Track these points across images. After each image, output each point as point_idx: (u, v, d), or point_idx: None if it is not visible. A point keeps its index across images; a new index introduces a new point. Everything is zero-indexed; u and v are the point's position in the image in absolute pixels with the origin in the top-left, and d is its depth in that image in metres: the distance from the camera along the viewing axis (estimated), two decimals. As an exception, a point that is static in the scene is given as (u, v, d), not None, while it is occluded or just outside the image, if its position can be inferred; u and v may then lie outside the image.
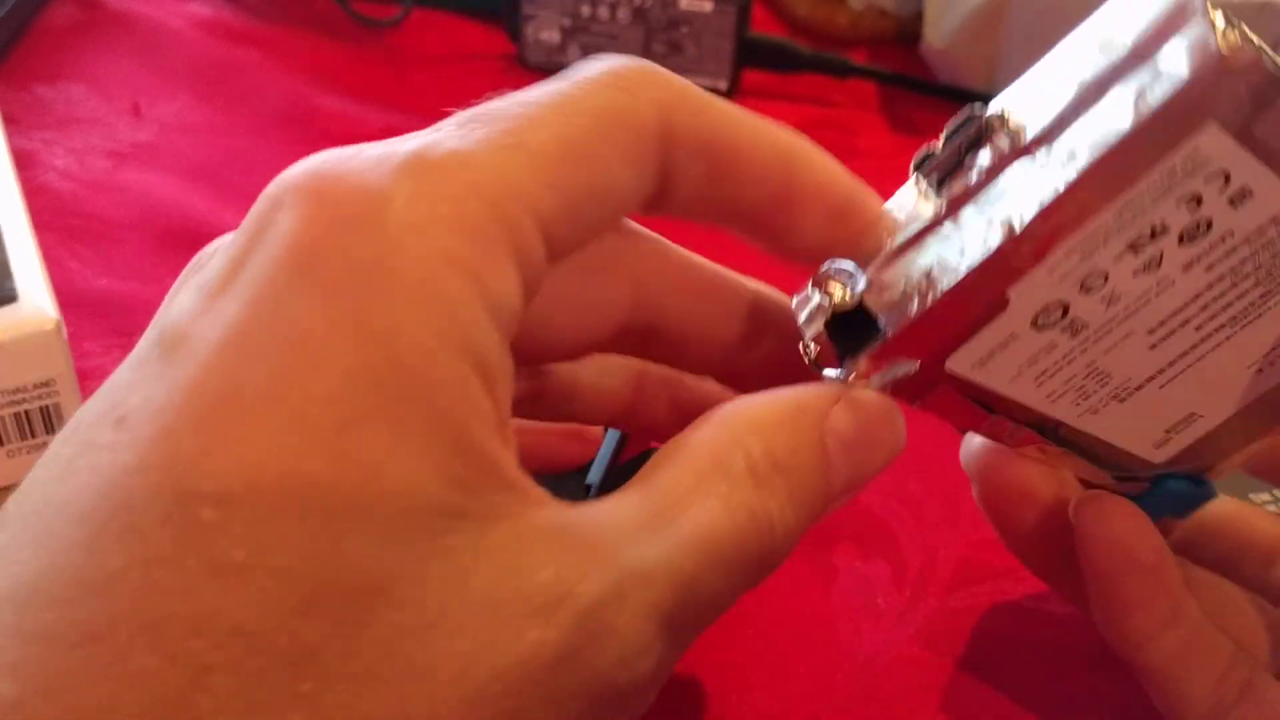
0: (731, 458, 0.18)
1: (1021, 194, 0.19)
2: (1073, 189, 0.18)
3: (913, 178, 0.21)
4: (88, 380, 0.34)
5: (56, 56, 0.56)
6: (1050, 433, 0.23)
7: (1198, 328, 0.22)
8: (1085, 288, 0.20)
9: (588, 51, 0.58)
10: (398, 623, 0.14)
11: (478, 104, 0.19)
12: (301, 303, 0.15)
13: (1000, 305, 0.20)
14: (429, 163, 0.16)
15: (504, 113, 0.18)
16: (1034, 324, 0.20)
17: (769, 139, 0.20)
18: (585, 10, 0.57)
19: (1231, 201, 0.19)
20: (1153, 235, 0.20)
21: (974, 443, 0.25)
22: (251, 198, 0.53)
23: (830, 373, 0.20)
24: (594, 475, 0.31)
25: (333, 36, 0.60)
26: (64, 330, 0.31)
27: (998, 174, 0.19)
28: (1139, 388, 0.22)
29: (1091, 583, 0.24)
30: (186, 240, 0.44)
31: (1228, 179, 0.19)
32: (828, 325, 0.21)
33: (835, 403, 0.20)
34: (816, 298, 0.21)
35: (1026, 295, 0.20)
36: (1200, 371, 0.22)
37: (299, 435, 0.14)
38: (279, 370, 0.14)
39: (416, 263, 0.15)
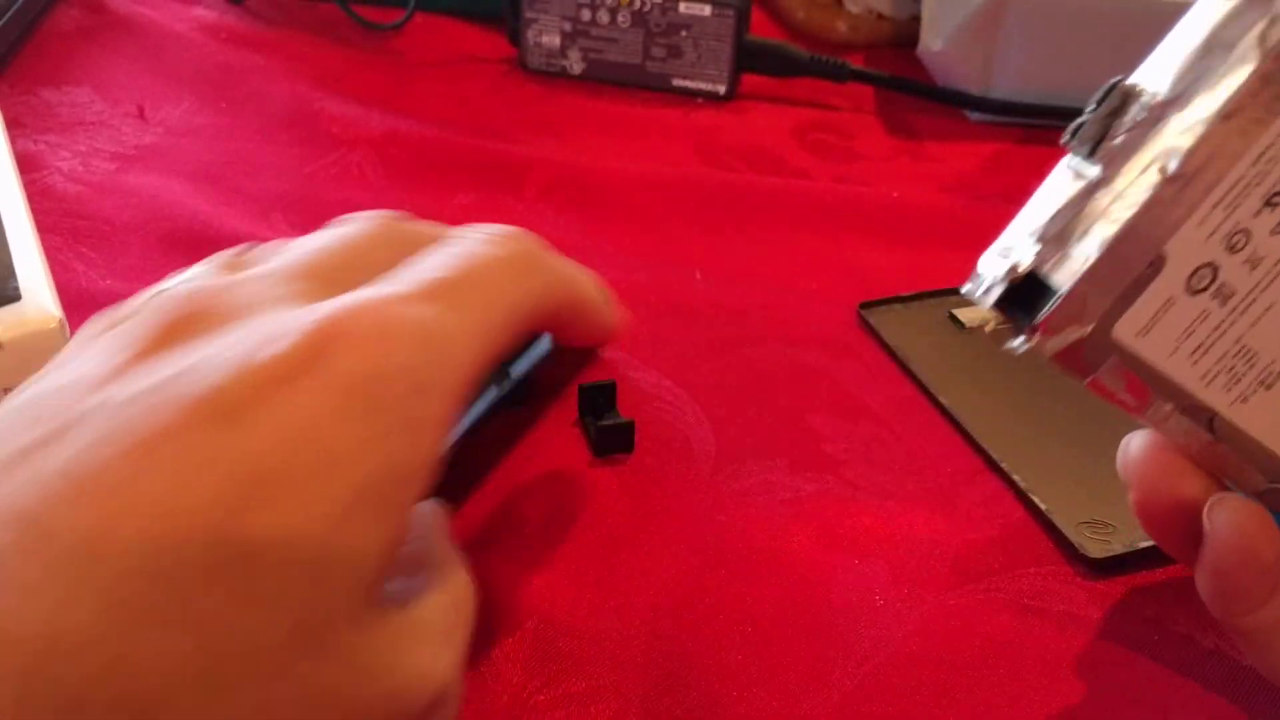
0: None
1: (1167, 146, 0.20)
2: (1210, 134, 0.20)
3: (1067, 152, 0.22)
4: (91, 379, 0.34)
5: (62, 60, 0.57)
6: (1207, 424, 0.24)
7: None
8: (1231, 247, 0.21)
9: (588, 55, 0.59)
10: None
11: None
12: (342, 424, 0.21)
13: (1158, 265, 0.21)
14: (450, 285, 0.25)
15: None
16: (1188, 288, 0.22)
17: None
18: (585, 15, 0.58)
19: None
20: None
21: (1132, 450, 0.26)
22: (255, 200, 0.54)
23: (1013, 343, 0.22)
24: (517, 370, 0.36)
25: (336, 41, 0.61)
26: (67, 329, 0.32)
27: (1145, 134, 0.21)
28: None
29: (1210, 571, 0.25)
30: (190, 242, 0.45)
31: None
32: (1004, 297, 0.22)
33: None
34: (992, 270, 0.22)
35: (1181, 252, 0.21)
36: None
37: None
38: (310, 472, 0.20)
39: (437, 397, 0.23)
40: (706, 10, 0.56)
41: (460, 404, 0.23)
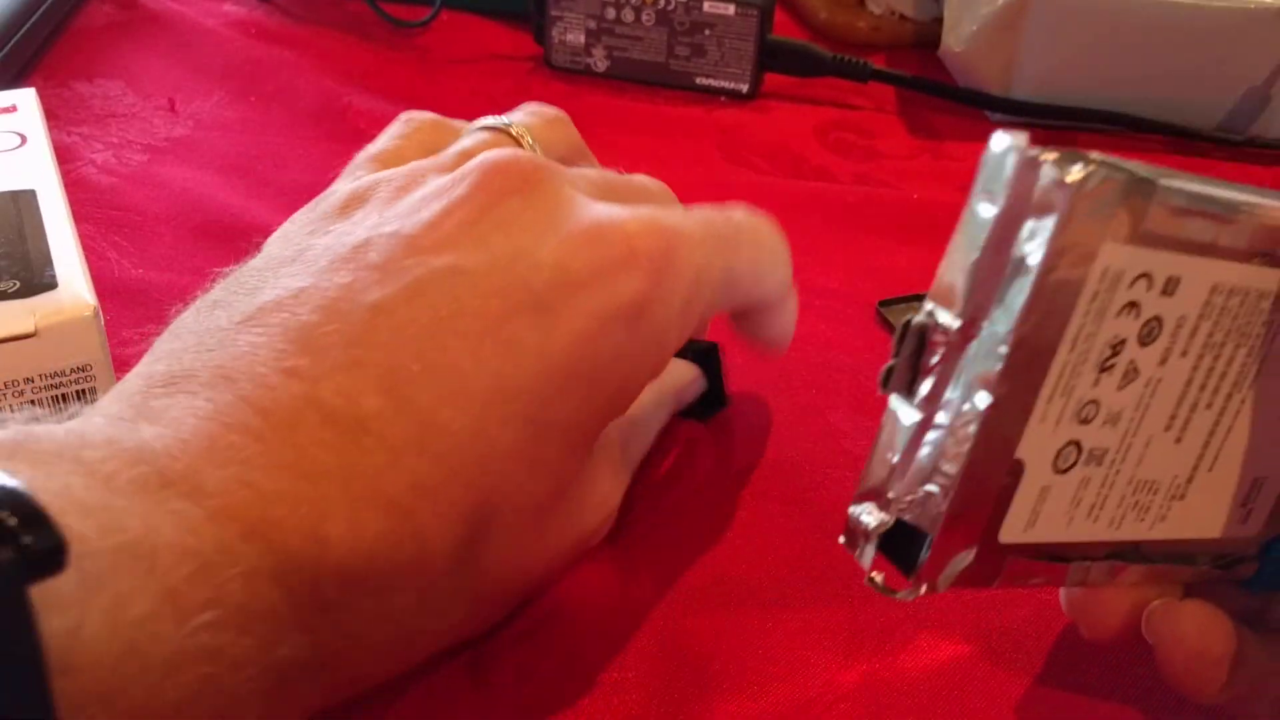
0: None
1: (978, 372, 0.19)
2: (1016, 348, 0.19)
3: (889, 395, 0.21)
4: (123, 366, 0.35)
5: (95, 54, 0.58)
6: (1133, 555, 0.23)
7: (1208, 405, 0.22)
8: (1084, 420, 0.21)
9: (612, 53, 0.59)
10: None
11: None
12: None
13: (1017, 470, 0.20)
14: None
15: None
16: (1057, 470, 0.21)
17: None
18: (610, 13, 0.58)
19: (1165, 293, 0.20)
20: (1114, 351, 0.20)
21: (1067, 595, 0.26)
22: (283, 193, 0.55)
23: (903, 594, 0.21)
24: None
25: (363, 37, 0.62)
26: (101, 317, 0.32)
27: (953, 365, 0.20)
28: (1190, 480, 0.23)
29: (1164, 672, 0.25)
30: (220, 233, 0.45)
31: (1149, 278, 0.20)
32: (879, 551, 0.21)
33: None
34: (859, 529, 0.22)
35: (1035, 449, 0.20)
36: (1238, 440, 0.23)
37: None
38: None
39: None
40: (730, 10, 0.57)
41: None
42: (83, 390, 0.32)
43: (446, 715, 0.28)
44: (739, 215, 0.31)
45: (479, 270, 0.24)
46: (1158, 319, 0.20)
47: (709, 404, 0.37)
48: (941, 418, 0.20)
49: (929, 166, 0.54)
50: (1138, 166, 0.19)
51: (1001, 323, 0.19)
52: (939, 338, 0.20)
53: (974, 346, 0.19)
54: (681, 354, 0.35)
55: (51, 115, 0.51)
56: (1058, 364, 0.20)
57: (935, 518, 0.20)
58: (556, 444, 0.25)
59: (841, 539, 0.22)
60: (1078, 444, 0.21)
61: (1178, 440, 0.22)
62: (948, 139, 0.57)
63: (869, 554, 0.21)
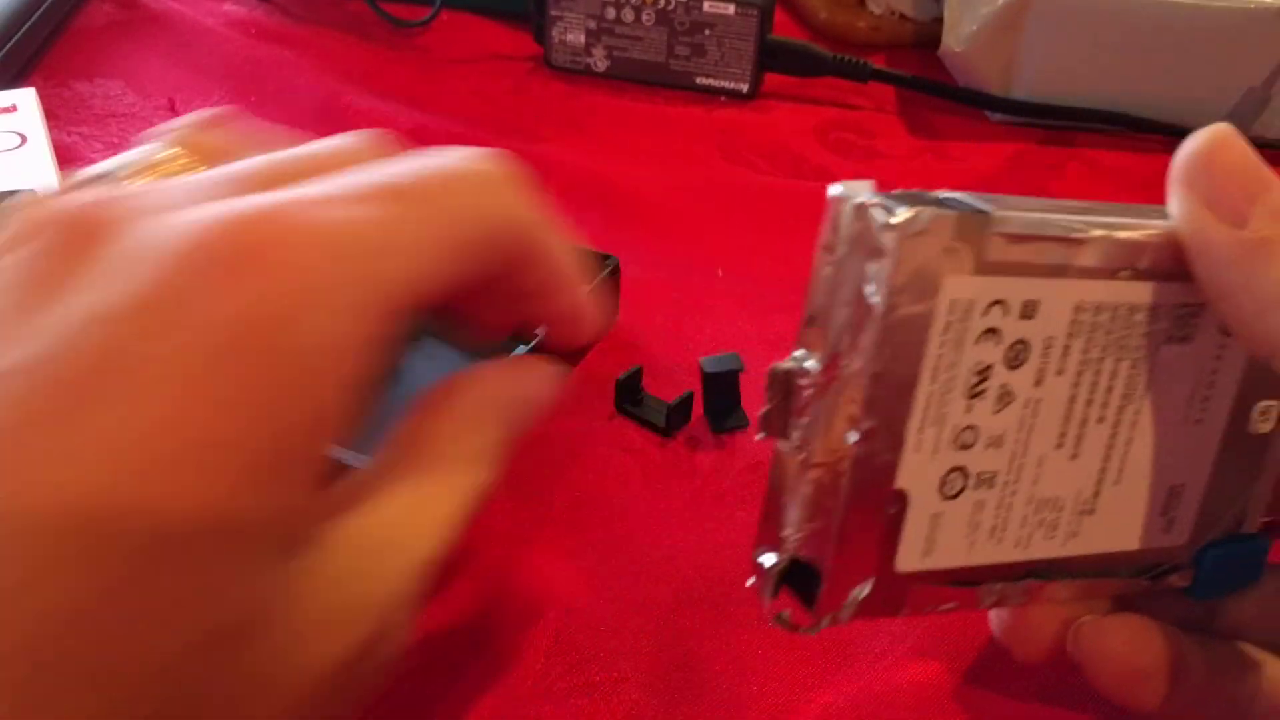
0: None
1: (845, 412, 0.20)
2: (874, 385, 0.20)
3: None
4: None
5: (95, 54, 0.58)
6: (1050, 573, 0.23)
7: (1100, 420, 0.22)
8: (963, 446, 0.21)
9: (612, 53, 0.59)
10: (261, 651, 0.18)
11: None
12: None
13: (902, 500, 0.21)
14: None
15: None
16: (945, 497, 0.21)
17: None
18: (610, 13, 0.58)
19: (1025, 317, 0.20)
20: (982, 377, 0.21)
21: (997, 620, 0.25)
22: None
23: (808, 629, 0.21)
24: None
25: (363, 37, 0.62)
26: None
27: (820, 406, 0.20)
28: (1096, 494, 0.23)
29: (1098, 689, 0.25)
30: (220, 233, 0.45)
31: (1004, 304, 0.20)
32: (782, 588, 0.22)
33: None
34: (760, 571, 0.22)
35: (916, 479, 0.21)
36: (1142, 452, 0.23)
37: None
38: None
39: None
40: (730, 9, 0.57)
41: (392, 325, 0.20)
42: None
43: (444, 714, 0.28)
44: (420, 166, 0.22)
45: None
46: (1023, 342, 0.21)
47: (721, 417, 0.37)
48: (818, 456, 0.20)
49: (930, 166, 0.54)
50: (977, 199, 0.20)
51: (857, 362, 0.20)
52: (804, 381, 0.20)
53: (836, 387, 0.20)
54: (706, 379, 0.36)
55: (51, 115, 0.51)
56: (922, 395, 0.20)
57: (825, 552, 0.21)
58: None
59: (749, 582, 0.22)
60: (962, 470, 0.21)
61: (1073, 457, 0.22)
62: (948, 139, 0.57)
63: (770, 594, 0.22)
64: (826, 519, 0.21)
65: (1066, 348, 0.21)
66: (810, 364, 0.20)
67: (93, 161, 0.49)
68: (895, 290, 0.19)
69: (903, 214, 0.19)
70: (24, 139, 0.38)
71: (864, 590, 0.21)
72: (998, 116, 0.58)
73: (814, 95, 0.59)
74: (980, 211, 0.20)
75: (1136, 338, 0.22)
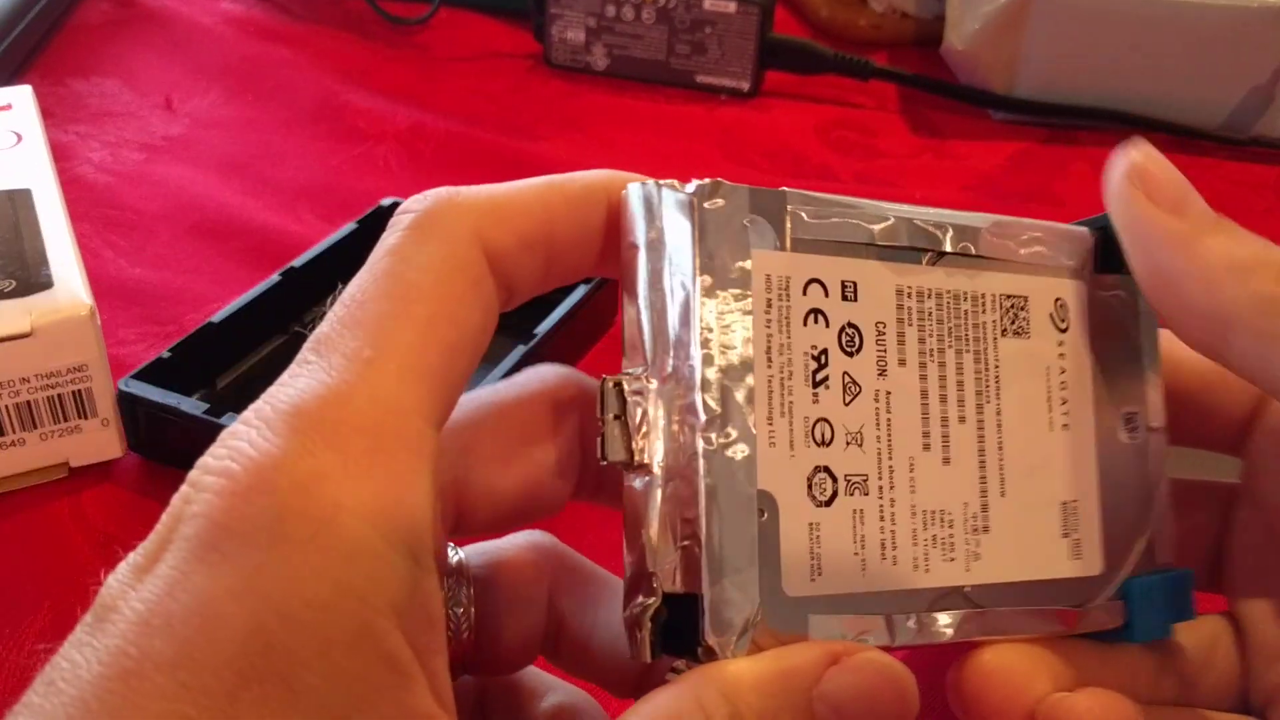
0: (690, 714, 0.17)
1: (682, 404, 0.19)
2: (707, 367, 0.18)
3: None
4: (120, 366, 0.34)
5: (91, 52, 0.57)
6: (962, 603, 0.21)
7: (960, 419, 0.21)
8: (821, 441, 0.20)
9: (612, 51, 0.59)
10: None
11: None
12: (207, 576, 0.15)
13: (770, 505, 0.19)
14: (306, 414, 0.16)
15: (353, 329, 0.17)
16: (818, 503, 0.20)
17: (575, 187, 0.20)
18: (610, 11, 0.58)
19: (846, 298, 0.20)
20: (820, 362, 0.20)
21: (952, 692, 0.23)
22: (281, 191, 0.54)
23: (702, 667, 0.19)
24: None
25: (362, 34, 0.61)
26: (98, 317, 0.32)
27: (653, 412, 0.19)
28: (985, 508, 0.21)
29: None
30: (217, 231, 0.45)
31: (822, 284, 0.20)
32: (664, 635, 0.19)
33: (829, 664, 0.18)
34: (632, 623, 0.19)
35: (779, 480, 0.19)
36: (1017, 459, 0.21)
37: (192, 704, 0.14)
38: (182, 641, 0.15)
39: (308, 519, 0.15)
40: (731, 7, 0.57)
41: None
42: (79, 390, 0.32)
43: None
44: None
45: None
46: (853, 326, 0.20)
47: None
48: (667, 466, 0.19)
49: (931, 165, 0.54)
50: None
51: (680, 357, 0.19)
52: (635, 388, 0.19)
53: (669, 389, 0.19)
54: None
55: (48, 113, 0.51)
56: (760, 382, 0.19)
57: (698, 573, 0.18)
58: None
59: (630, 650, 0.20)
60: (828, 470, 0.20)
61: (946, 461, 0.21)
62: (950, 137, 0.56)
63: (648, 645, 0.19)
64: (691, 536, 0.18)
65: (900, 335, 0.20)
66: (636, 372, 0.19)
67: (90, 161, 0.49)
68: (704, 266, 0.18)
69: (698, 185, 0.19)
70: (20, 137, 0.38)
71: (754, 618, 0.19)
72: (1000, 115, 0.58)
73: (815, 93, 0.59)
74: (772, 191, 0.19)
75: (969, 328, 0.21)
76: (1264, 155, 0.56)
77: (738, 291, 0.19)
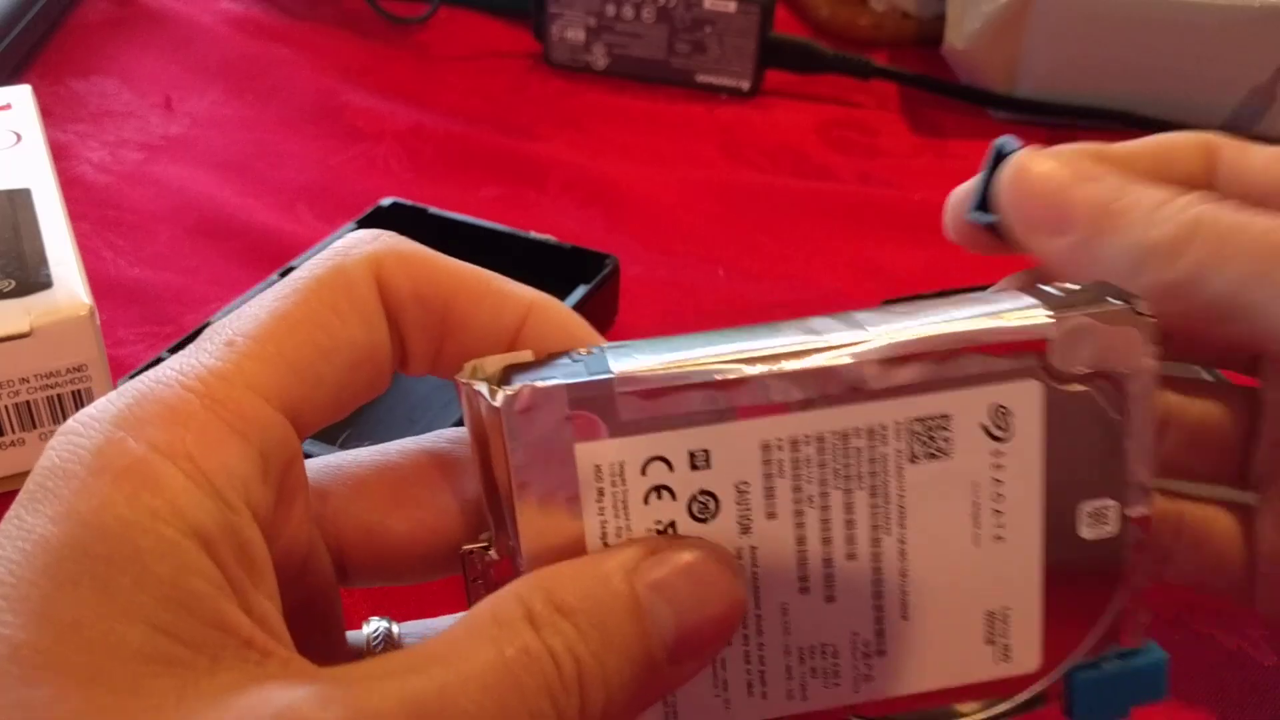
0: (508, 609, 0.18)
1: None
2: (536, 563, 0.19)
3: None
4: (119, 366, 0.34)
5: (90, 51, 0.57)
6: (868, 712, 0.21)
7: (850, 557, 0.20)
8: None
9: (612, 50, 0.59)
10: None
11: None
12: (31, 510, 0.17)
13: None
14: (155, 379, 0.18)
15: (235, 320, 0.19)
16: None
17: (499, 285, 0.20)
18: (610, 10, 0.58)
19: (696, 468, 0.19)
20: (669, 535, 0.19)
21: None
22: (280, 191, 0.54)
23: None
24: None
25: (361, 34, 0.61)
26: (97, 317, 0.32)
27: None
28: (880, 633, 0.21)
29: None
30: (217, 232, 0.45)
31: (665, 460, 0.19)
32: None
33: (646, 556, 0.19)
34: None
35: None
36: (927, 583, 0.20)
37: (9, 611, 0.16)
38: (3, 562, 0.16)
39: (123, 456, 0.17)
40: (731, 6, 0.56)
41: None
42: (78, 390, 0.32)
43: None
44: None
45: None
46: (706, 493, 0.19)
47: None
48: None
49: (932, 165, 0.54)
50: (617, 353, 0.19)
51: (516, 543, 0.19)
52: (488, 562, 0.20)
53: (514, 570, 0.19)
54: None
55: (47, 113, 0.51)
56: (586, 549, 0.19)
57: None
58: None
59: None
60: None
61: (829, 599, 0.20)
62: (951, 137, 0.56)
63: None
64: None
65: (769, 489, 0.19)
66: (490, 555, 0.20)
67: (89, 160, 0.49)
68: (523, 469, 0.18)
69: (505, 394, 0.18)
70: (19, 137, 0.38)
71: None
72: (1001, 114, 0.58)
73: (815, 93, 0.59)
74: (598, 379, 0.18)
75: (862, 464, 0.20)
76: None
77: (558, 487, 0.19)
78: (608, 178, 0.50)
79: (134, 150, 0.50)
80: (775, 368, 0.19)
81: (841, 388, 0.19)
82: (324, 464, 0.21)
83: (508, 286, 0.21)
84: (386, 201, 0.43)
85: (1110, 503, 0.21)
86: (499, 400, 0.18)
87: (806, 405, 0.19)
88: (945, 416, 0.20)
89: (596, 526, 0.19)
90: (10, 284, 0.32)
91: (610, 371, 0.19)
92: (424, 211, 0.42)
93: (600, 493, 0.19)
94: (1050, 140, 0.56)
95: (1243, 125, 0.56)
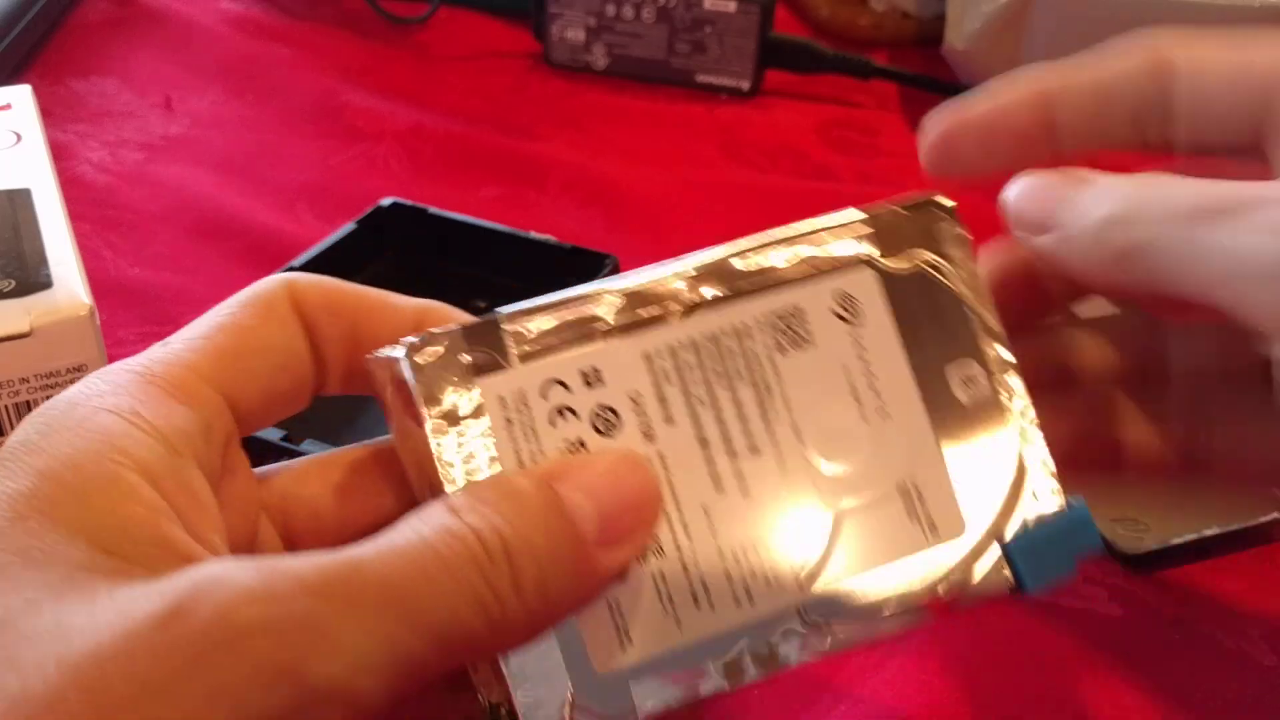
0: (428, 508, 0.19)
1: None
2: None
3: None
4: (120, 367, 0.34)
5: (90, 51, 0.57)
6: (803, 621, 0.21)
7: (754, 450, 0.21)
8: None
9: (612, 50, 0.59)
10: (21, 636, 0.17)
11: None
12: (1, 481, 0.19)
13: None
14: (107, 368, 0.20)
15: (179, 332, 0.22)
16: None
17: (394, 298, 0.23)
18: (610, 10, 0.58)
19: (591, 384, 0.21)
20: (577, 453, 0.20)
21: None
22: (280, 191, 0.54)
23: None
24: None
25: (361, 34, 0.61)
26: (97, 317, 0.32)
27: None
28: (804, 522, 0.21)
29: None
30: (217, 232, 0.45)
31: (561, 383, 0.21)
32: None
33: (557, 466, 0.20)
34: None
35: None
36: (829, 466, 0.21)
37: None
38: None
39: (75, 415, 0.19)
40: (731, 6, 0.57)
41: None
42: (78, 391, 0.32)
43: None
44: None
45: None
46: (605, 407, 0.21)
47: None
48: None
49: (931, 164, 0.54)
50: (490, 313, 0.21)
51: (437, 493, 0.20)
52: None
53: None
54: None
55: (46, 113, 0.51)
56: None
57: (504, 682, 0.19)
58: None
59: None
60: None
61: (745, 494, 0.21)
62: (950, 137, 0.56)
63: None
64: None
65: (661, 397, 0.21)
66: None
67: (89, 160, 0.49)
68: (434, 413, 0.20)
69: (405, 343, 0.20)
70: (19, 137, 0.38)
71: (569, 703, 0.19)
72: (1000, 114, 0.58)
73: (815, 93, 0.59)
74: (485, 322, 0.21)
75: (739, 362, 0.21)
76: (1264, 154, 0.56)
77: (474, 422, 0.20)
78: (608, 178, 0.50)
79: (134, 150, 0.50)
80: (642, 282, 0.21)
81: (695, 297, 0.21)
82: (280, 464, 0.23)
83: (402, 299, 0.23)
84: (386, 201, 0.43)
85: (974, 365, 0.23)
86: (400, 351, 0.20)
87: (663, 317, 0.21)
88: (798, 308, 0.22)
89: (511, 454, 0.20)
90: (10, 284, 0.32)
91: (496, 314, 0.21)
92: (424, 211, 0.42)
93: (509, 421, 0.20)
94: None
95: (1243, 125, 0.56)
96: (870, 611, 0.21)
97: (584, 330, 0.21)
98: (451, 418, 0.20)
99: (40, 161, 0.36)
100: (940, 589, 0.22)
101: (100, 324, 0.32)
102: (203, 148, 0.51)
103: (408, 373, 0.20)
